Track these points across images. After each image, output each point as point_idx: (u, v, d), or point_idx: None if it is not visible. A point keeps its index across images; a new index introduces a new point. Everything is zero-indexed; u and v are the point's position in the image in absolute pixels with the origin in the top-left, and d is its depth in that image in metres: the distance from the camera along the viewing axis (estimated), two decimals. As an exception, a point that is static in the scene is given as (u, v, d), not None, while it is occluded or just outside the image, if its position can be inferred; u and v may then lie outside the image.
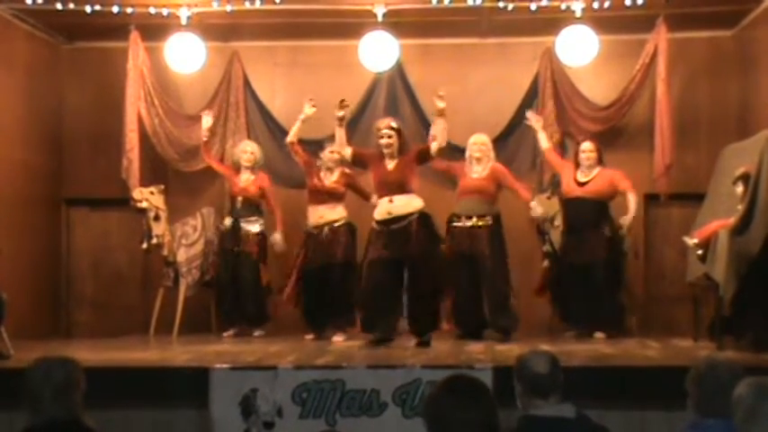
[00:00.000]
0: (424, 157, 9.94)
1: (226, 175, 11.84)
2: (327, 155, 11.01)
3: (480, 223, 10.45)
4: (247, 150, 11.63)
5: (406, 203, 9.69)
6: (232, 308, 11.51)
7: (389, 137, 9.87)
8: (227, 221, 11.50)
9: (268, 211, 11.60)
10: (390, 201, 9.68)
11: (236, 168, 11.68)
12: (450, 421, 3.75)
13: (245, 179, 11.55)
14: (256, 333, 11.46)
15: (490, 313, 10.48)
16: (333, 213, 10.87)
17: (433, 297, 9.84)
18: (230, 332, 11.45)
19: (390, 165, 9.85)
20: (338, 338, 10.63)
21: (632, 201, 10.79)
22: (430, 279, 9.67)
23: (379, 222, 9.77)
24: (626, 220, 10.67)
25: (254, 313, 11.51)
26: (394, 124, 10.07)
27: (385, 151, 9.86)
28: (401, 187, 9.73)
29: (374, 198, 10.22)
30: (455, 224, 10.53)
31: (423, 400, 4.02)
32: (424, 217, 9.72)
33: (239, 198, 11.50)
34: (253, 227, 11.47)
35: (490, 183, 10.59)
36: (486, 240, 10.39)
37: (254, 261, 11.45)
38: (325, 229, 10.84)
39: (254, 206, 11.55)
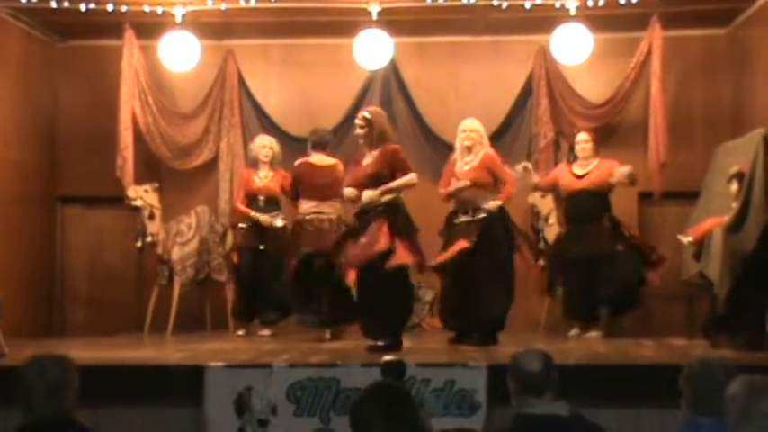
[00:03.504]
0: (398, 174, 9.30)
1: (243, 181, 11.58)
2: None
3: (479, 216, 9.74)
4: (266, 146, 11.47)
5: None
6: (252, 305, 11.42)
7: (361, 128, 9.39)
8: (244, 222, 11.41)
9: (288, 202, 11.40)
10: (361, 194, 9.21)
11: (254, 165, 11.52)
12: (373, 429, 3.81)
13: (264, 176, 11.39)
14: (266, 332, 11.36)
15: (479, 318, 9.75)
16: (325, 206, 10.68)
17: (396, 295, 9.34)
18: (242, 331, 11.38)
19: (368, 161, 9.38)
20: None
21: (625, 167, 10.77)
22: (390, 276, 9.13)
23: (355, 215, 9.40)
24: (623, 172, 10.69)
25: (279, 307, 11.34)
26: (368, 115, 9.46)
27: (360, 141, 9.52)
28: (373, 183, 9.20)
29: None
30: (455, 221, 9.92)
31: (350, 406, 4.06)
32: (390, 209, 9.20)
33: (261, 197, 11.34)
34: (276, 222, 11.37)
35: (481, 172, 9.83)
36: (479, 236, 9.65)
37: (277, 256, 11.20)
38: (315, 222, 10.73)
39: (274, 202, 11.40)
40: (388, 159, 9.28)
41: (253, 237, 11.33)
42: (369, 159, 9.35)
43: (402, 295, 9.37)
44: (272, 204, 11.36)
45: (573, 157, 11.07)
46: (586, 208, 10.71)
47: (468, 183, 9.81)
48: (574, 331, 10.81)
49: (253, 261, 11.33)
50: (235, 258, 11.60)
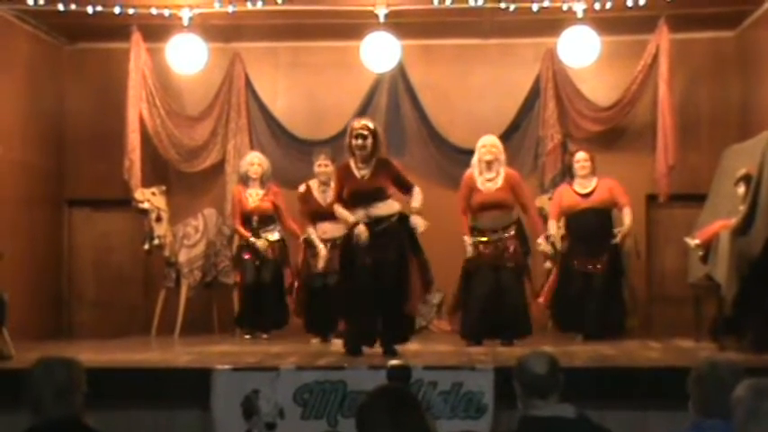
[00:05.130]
0: (402, 188, 9.21)
1: (236, 202, 11.50)
2: (317, 169, 10.84)
3: (507, 235, 10.02)
4: (254, 162, 11.41)
5: (384, 206, 8.99)
6: (254, 313, 11.38)
7: (364, 138, 8.94)
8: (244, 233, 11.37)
9: (282, 225, 11.40)
10: (367, 209, 8.94)
11: (244, 182, 11.48)
12: None
13: (256, 194, 11.35)
14: (264, 336, 11.35)
15: (506, 323, 10.02)
16: (336, 230, 10.30)
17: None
18: (249, 335, 11.38)
19: (364, 172, 9.03)
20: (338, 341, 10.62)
21: (627, 215, 10.78)
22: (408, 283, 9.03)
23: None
24: (621, 232, 10.75)
25: (274, 318, 11.35)
26: (371, 125, 9.12)
27: (357, 153, 8.99)
28: (377, 197, 8.98)
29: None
30: (478, 239, 10.05)
31: (355, 410, 4.09)
32: (403, 219, 9.04)
33: (254, 217, 11.30)
34: (272, 236, 11.33)
35: (507, 193, 10.07)
36: (515, 252, 10.00)
37: (276, 266, 11.30)
38: (328, 245, 10.59)
39: (269, 218, 11.34)
40: (391, 173, 9.15)
41: (254, 251, 11.29)
42: (366, 172, 9.05)
43: None
44: (265, 222, 11.33)
45: (570, 176, 11.05)
46: (590, 226, 10.73)
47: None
48: (578, 338, 10.76)
49: (255, 271, 11.31)
50: (237, 273, 11.62)
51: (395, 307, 8.96)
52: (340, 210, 9.14)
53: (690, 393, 4.50)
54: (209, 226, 12.00)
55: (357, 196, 9.00)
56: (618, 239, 10.74)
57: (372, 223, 8.95)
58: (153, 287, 12.47)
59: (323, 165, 10.81)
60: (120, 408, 7.30)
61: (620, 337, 10.66)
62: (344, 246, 9.27)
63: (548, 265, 11.47)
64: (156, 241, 11.77)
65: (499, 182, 10.09)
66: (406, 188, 9.22)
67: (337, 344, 10.44)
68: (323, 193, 10.69)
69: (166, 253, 11.84)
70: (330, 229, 10.55)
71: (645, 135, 12.26)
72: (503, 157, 10.24)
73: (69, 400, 4.36)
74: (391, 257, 8.90)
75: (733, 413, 3.95)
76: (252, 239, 11.23)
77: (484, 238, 10.05)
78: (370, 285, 8.89)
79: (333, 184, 10.30)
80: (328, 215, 10.19)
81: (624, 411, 7.19)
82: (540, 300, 10.89)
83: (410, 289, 9.05)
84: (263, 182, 11.41)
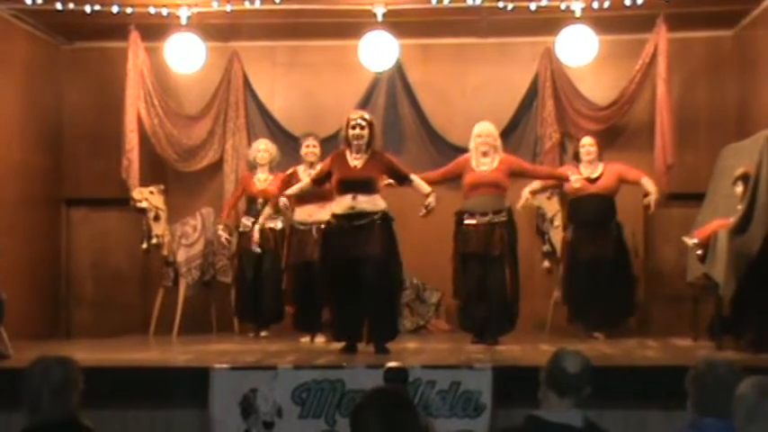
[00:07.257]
0: (397, 178, 9.40)
1: (243, 186, 11.63)
2: (305, 150, 10.93)
3: (497, 220, 9.85)
4: (261, 149, 11.47)
5: (370, 201, 9.08)
6: (254, 308, 11.37)
7: (361, 128, 9.17)
8: (247, 221, 11.35)
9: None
10: (354, 198, 9.03)
11: (252, 168, 11.57)
12: None
13: (264, 179, 11.39)
14: (263, 333, 11.37)
15: (491, 317, 9.90)
16: (322, 213, 10.20)
17: (393, 299, 9.35)
18: (252, 333, 11.39)
19: (357, 162, 9.19)
20: (320, 339, 10.61)
21: (649, 183, 10.87)
22: (389, 281, 9.13)
23: (338, 217, 9.14)
24: (651, 199, 10.78)
25: (272, 311, 11.32)
26: (367, 116, 9.40)
27: (353, 143, 9.18)
28: (367, 187, 9.10)
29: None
30: (467, 222, 9.92)
31: (349, 411, 4.09)
32: (386, 219, 9.13)
33: (260, 200, 11.31)
34: (275, 224, 11.27)
35: (502, 175, 9.95)
36: (502, 239, 9.81)
37: (276, 257, 11.17)
38: (313, 228, 10.53)
39: None
40: (385, 164, 9.31)
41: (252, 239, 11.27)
42: (358, 161, 9.20)
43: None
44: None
45: (577, 161, 11.12)
46: (596, 212, 10.78)
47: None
48: (582, 335, 10.74)
49: (254, 263, 11.31)
50: (236, 264, 11.63)
51: (376, 304, 9.01)
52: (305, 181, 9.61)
53: (688, 392, 4.50)
54: (207, 225, 11.98)
55: (346, 183, 9.14)
56: (652, 206, 10.80)
57: (355, 217, 9.03)
58: (151, 286, 12.46)
59: (311, 146, 10.94)
60: (117, 407, 7.30)
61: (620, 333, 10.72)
62: (323, 238, 9.40)
63: (546, 264, 11.50)
64: (154, 240, 11.76)
65: (494, 164, 10.04)
66: (401, 178, 9.37)
67: (320, 340, 10.48)
68: (309, 176, 10.66)
69: (164, 252, 11.83)
70: (315, 212, 10.50)
71: (643, 134, 12.25)
72: (499, 143, 10.23)
73: (66, 399, 4.36)
74: (371, 254, 8.96)
75: (734, 410, 3.96)
76: (221, 228, 11.49)
77: (473, 221, 9.90)
78: (349, 280, 8.99)
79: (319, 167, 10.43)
80: (313, 197, 10.33)
81: (622, 410, 7.20)
82: (556, 294, 11.10)
83: (392, 287, 9.20)
84: (270, 168, 11.44)
